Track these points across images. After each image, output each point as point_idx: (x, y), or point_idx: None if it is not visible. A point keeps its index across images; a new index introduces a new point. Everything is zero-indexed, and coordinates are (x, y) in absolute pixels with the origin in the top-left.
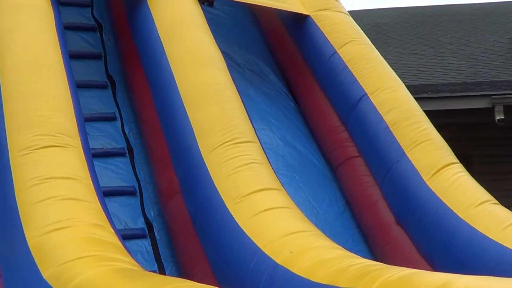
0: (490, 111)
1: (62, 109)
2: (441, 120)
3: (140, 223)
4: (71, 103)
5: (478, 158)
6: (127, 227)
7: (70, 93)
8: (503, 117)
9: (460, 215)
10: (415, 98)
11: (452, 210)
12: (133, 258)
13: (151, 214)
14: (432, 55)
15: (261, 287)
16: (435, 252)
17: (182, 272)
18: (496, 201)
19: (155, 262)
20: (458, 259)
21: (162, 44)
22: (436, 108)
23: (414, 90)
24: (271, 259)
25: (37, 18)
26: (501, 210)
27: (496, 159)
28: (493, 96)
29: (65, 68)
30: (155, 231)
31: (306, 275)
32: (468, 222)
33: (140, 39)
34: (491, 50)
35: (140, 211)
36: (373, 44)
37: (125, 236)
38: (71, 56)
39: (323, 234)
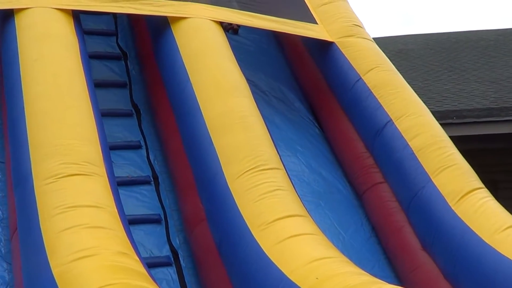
0: None
1: (87, 137)
2: (467, 146)
3: (166, 251)
4: (96, 131)
5: (504, 184)
6: (152, 255)
7: (95, 121)
8: None
9: (486, 240)
10: (441, 124)
11: (478, 235)
12: (159, 286)
13: (176, 242)
14: (457, 81)
15: None
16: (461, 278)
17: None
18: None
19: None
20: (484, 284)
21: (187, 72)
22: (462, 134)
23: (440, 116)
24: (297, 286)
25: (62, 47)
26: None
27: None
28: None
29: (90, 97)
30: (180, 258)
31: None
32: (494, 247)
33: (165, 67)
34: None
35: (166, 238)
36: (398, 70)
37: (151, 264)
38: (96, 85)
39: (349, 260)
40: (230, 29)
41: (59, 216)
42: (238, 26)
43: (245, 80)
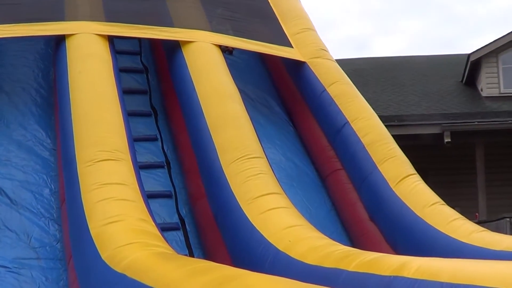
0: (440, 136)
1: (116, 131)
2: (405, 142)
3: (175, 219)
4: (124, 127)
5: (432, 171)
6: (165, 222)
7: (123, 119)
8: (450, 140)
9: (417, 213)
10: (385, 126)
11: (411, 210)
12: (169, 245)
13: (183, 212)
14: (398, 93)
15: (266, 267)
16: (398, 242)
17: (207, 256)
18: (443, 203)
19: (186, 249)
20: (415, 246)
21: (193, 83)
22: (401, 133)
23: (385, 119)
24: (274, 246)
25: (99, 63)
26: (447, 209)
27: (445, 171)
28: (443, 124)
29: (120, 101)
30: (186, 225)
31: (301, 259)
32: (423, 218)
33: (176, 79)
34: (442, 90)
35: (175, 209)
36: (354, 84)
37: (163, 229)
38: (124, 92)
39: (314, 228)
40: (226, 51)
41: (95, 191)
42: (233, 48)
43: (238, 90)
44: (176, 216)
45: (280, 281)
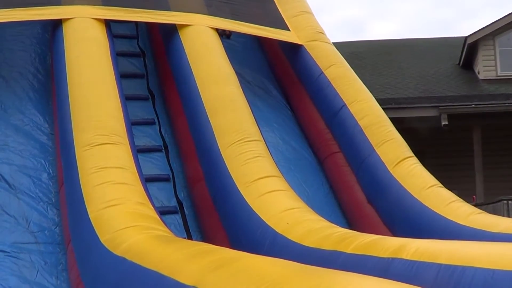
0: (438, 118)
1: (114, 115)
2: (402, 125)
3: (173, 202)
4: (121, 111)
5: (430, 153)
6: (163, 205)
7: (120, 103)
8: (447, 123)
9: (415, 196)
10: (382, 108)
11: (409, 192)
12: (168, 228)
13: (181, 196)
14: (395, 76)
15: (264, 250)
16: (396, 224)
17: (205, 239)
18: (441, 185)
19: (184, 232)
20: (413, 228)
21: (190, 66)
22: (398, 116)
23: (382, 102)
24: (272, 229)
25: (96, 47)
26: (444, 191)
27: (442, 154)
28: (440, 107)
29: (117, 85)
30: (184, 208)
31: (299, 241)
32: (421, 200)
33: (174, 62)
34: (439, 73)
35: (173, 193)
36: (351, 67)
37: (162, 212)
38: (122, 76)
39: (312, 210)
40: (224, 35)
41: (93, 175)
42: (230, 32)
43: (235, 73)
44: (174, 199)
45: (279, 262)
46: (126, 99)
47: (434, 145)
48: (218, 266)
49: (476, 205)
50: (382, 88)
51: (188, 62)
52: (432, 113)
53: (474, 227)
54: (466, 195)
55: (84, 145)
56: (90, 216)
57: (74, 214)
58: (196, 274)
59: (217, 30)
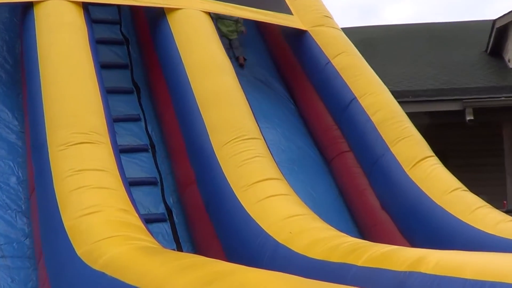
0: (462, 113)
1: (93, 110)
2: (421, 121)
3: (161, 209)
4: (102, 105)
5: (452, 153)
6: (150, 212)
7: (100, 97)
8: (472, 118)
9: (435, 201)
10: (398, 102)
11: (428, 197)
12: (154, 238)
13: (170, 201)
14: (413, 65)
15: (264, 262)
16: (414, 233)
17: (197, 251)
18: (465, 188)
19: (174, 242)
20: (434, 238)
21: (179, 55)
22: (416, 111)
23: (397, 95)
24: (273, 238)
25: (73, 33)
26: (470, 196)
27: (467, 154)
28: (464, 100)
29: (97, 76)
30: (174, 215)
31: (303, 252)
32: (442, 206)
33: (161, 51)
34: (463, 61)
35: (161, 198)
36: (362, 56)
37: (148, 220)
38: (102, 66)
39: (318, 217)
40: (239, 63)
41: (69, 178)
42: (244, 60)
43: (230, 62)
44: (162, 205)
45: (280, 278)
46: (108, 92)
47: (457, 143)
48: (210, 281)
49: (507, 212)
50: (398, 79)
51: (178, 50)
52: (455, 107)
53: (504, 236)
54: (495, 200)
55: (58, 144)
56: (65, 226)
57: (46, 224)
58: None
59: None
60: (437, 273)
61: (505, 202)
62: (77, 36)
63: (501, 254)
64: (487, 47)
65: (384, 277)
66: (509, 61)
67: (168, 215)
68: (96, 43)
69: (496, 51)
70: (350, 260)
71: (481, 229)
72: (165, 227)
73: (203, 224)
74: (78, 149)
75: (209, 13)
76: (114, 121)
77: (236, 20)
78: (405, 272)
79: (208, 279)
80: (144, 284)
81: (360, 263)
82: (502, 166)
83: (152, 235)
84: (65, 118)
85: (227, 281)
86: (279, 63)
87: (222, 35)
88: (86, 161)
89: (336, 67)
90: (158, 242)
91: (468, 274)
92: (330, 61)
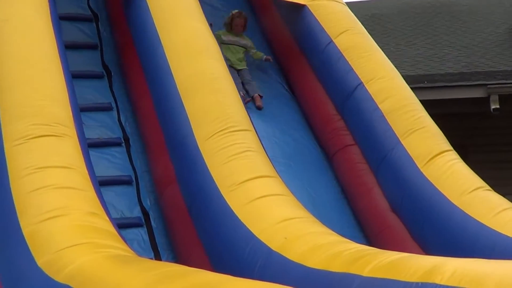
0: (485, 101)
1: (57, 98)
2: (438, 110)
3: (137, 212)
4: (66, 93)
5: (474, 147)
6: (123, 216)
7: (65, 83)
8: (498, 107)
9: (453, 202)
10: (412, 88)
11: (446, 197)
12: (128, 245)
13: (147, 203)
14: (430, 45)
15: (255, 272)
16: (429, 238)
17: (178, 260)
18: (489, 188)
19: (151, 250)
20: (451, 244)
21: (157, 33)
22: (433, 98)
23: (411, 80)
24: (265, 245)
25: (31, 7)
26: (494, 196)
27: (491, 148)
28: (488, 86)
29: (60, 58)
30: (151, 219)
31: (300, 261)
32: (461, 208)
33: (136, 29)
34: (487, 41)
35: (137, 200)
36: (371, 35)
37: (122, 225)
38: (67, 46)
39: (317, 220)
40: (248, 101)
41: (29, 177)
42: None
43: (216, 42)
44: (138, 208)
45: None
46: (74, 77)
47: (480, 135)
48: None
49: None
50: (412, 62)
51: (155, 28)
52: (478, 93)
53: None
54: None
55: (16, 138)
56: (23, 232)
57: (1, 229)
58: None
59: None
60: (454, 285)
61: None
62: (36, 11)
63: None
64: None
65: None
66: None
67: (144, 219)
68: (60, 19)
69: None
70: (353, 269)
71: (507, 234)
72: (141, 232)
73: (185, 229)
74: (39, 143)
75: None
76: (81, 110)
77: (245, 45)
78: (417, 283)
79: None
80: None
81: (365, 273)
82: None
83: (126, 242)
84: (23, 107)
85: None
86: (273, 43)
87: (230, 65)
88: (48, 157)
89: (339, 47)
90: (133, 250)
91: (490, 286)
92: (332, 41)
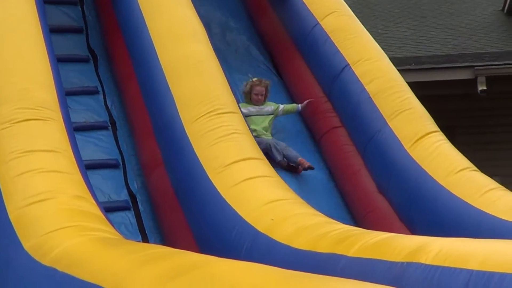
0: (473, 83)
1: (42, 82)
2: (425, 92)
3: (124, 195)
4: (51, 76)
5: (462, 129)
6: (110, 200)
7: (50, 66)
8: (485, 88)
9: (440, 182)
10: (399, 70)
11: (432, 177)
12: (115, 228)
13: (134, 186)
14: (417, 27)
15: (242, 254)
16: (415, 219)
17: (166, 242)
18: (475, 168)
19: (139, 233)
20: (438, 224)
21: (143, 17)
22: (420, 80)
23: (399, 62)
24: (252, 227)
25: None
26: (480, 176)
27: (478, 129)
28: (476, 68)
29: (45, 42)
30: (138, 203)
31: (287, 242)
32: (448, 188)
33: (121, 12)
34: (475, 23)
35: (124, 183)
36: (358, 17)
37: (109, 209)
38: (52, 30)
39: (304, 202)
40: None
41: (14, 161)
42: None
43: (202, 26)
44: (125, 191)
45: (256, 268)
46: (59, 61)
47: (467, 117)
48: (176, 275)
49: None
50: (399, 44)
51: (141, 12)
52: (465, 75)
53: None
54: (511, 182)
55: (1, 122)
56: (10, 216)
57: None
58: (148, 286)
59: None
60: (439, 264)
61: None
62: None
63: None
64: (504, 5)
65: (378, 269)
66: None
67: (132, 203)
68: (44, 3)
69: None
70: (339, 250)
71: (492, 214)
72: (129, 216)
73: (172, 212)
74: (25, 127)
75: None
76: (67, 94)
77: (269, 112)
78: (402, 263)
79: (175, 272)
80: (100, 280)
81: (351, 253)
82: None
83: (113, 225)
84: (8, 91)
85: (196, 274)
86: (260, 27)
87: (256, 136)
88: (34, 140)
89: (325, 29)
90: (120, 234)
91: (475, 264)
92: (318, 23)
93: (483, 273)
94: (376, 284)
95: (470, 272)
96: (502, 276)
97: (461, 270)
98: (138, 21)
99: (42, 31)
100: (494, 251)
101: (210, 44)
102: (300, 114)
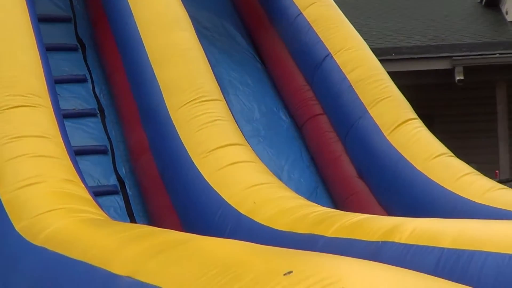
0: (450, 72)
1: (31, 70)
2: (405, 81)
3: (113, 180)
4: (41, 64)
5: (439, 117)
6: (100, 184)
7: (39, 54)
8: (462, 78)
9: (418, 167)
10: (380, 60)
11: (410, 163)
12: (103, 211)
13: (122, 172)
14: (398, 19)
15: (226, 235)
16: (393, 202)
17: (153, 224)
18: (452, 154)
19: (127, 216)
20: (414, 208)
21: (129, 6)
22: (400, 70)
23: (379, 52)
24: (235, 209)
25: None
26: (456, 162)
27: (456, 118)
28: (453, 58)
29: (34, 30)
30: (127, 187)
31: (268, 224)
32: (425, 173)
33: (108, 2)
34: (454, 14)
35: (112, 168)
36: (341, 8)
37: (98, 193)
38: (40, 19)
39: (285, 186)
40: None
41: (4, 146)
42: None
43: (187, 14)
44: (114, 176)
45: (235, 244)
46: (48, 49)
47: (445, 106)
48: (159, 251)
49: (500, 182)
50: (380, 35)
51: (127, 1)
52: (443, 65)
53: (493, 205)
54: (486, 169)
55: None
56: (1, 199)
57: None
58: (132, 262)
59: None
60: (413, 243)
61: (497, 171)
62: None
63: (483, 221)
64: None
65: (355, 248)
66: (506, 13)
67: (120, 187)
68: None
69: (492, 2)
70: (318, 231)
71: (467, 197)
72: (118, 200)
73: (159, 196)
74: (14, 113)
75: None
76: (56, 82)
77: None
78: (378, 242)
79: (158, 249)
80: (89, 258)
81: (329, 233)
82: (494, 131)
83: (101, 208)
84: None
85: (180, 249)
86: (244, 16)
87: None
88: (23, 126)
89: (308, 19)
90: (109, 216)
91: (446, 243)
92: (301, 13)
93: (454, 250)
94: (352, 258)
95: (441, 250)
96: (472, 253)
97: (433, 248)
98: (124, 9)
99: (31, 19)
100: (465, 230)
101: (194, 32)
102: (283, 101)
